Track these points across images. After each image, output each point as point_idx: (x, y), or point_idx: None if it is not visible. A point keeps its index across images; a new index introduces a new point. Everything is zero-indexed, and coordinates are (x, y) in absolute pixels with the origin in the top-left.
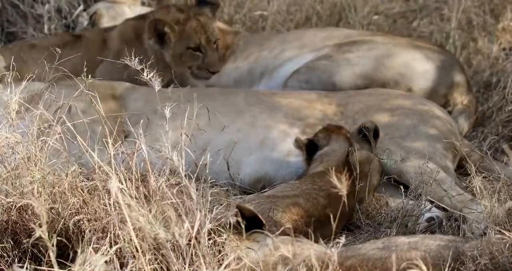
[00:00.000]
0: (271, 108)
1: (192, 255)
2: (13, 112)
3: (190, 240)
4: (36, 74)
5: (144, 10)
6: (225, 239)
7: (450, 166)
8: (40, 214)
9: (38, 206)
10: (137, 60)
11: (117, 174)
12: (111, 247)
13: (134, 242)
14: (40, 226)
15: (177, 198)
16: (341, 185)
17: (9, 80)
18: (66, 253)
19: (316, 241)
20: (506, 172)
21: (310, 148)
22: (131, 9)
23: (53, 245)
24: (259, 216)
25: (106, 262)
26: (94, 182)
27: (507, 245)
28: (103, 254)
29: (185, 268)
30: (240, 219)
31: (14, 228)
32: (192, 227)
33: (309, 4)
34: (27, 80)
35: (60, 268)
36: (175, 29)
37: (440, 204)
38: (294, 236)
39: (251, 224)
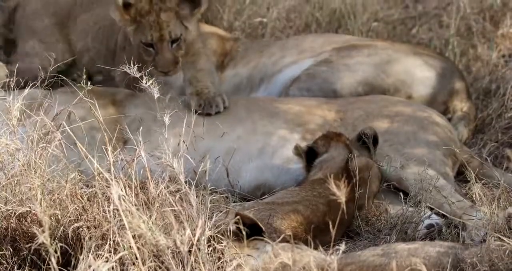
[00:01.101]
0: (271, 115)
1: (192, 262)
2: (14, 119)
3: (190, 247)
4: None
5: None
6: (225, 246)
7: (450, 172)
8: (42, 220)
9: (40, 212)
10: (135, 67)
11: (117, 181)
12: (110, 254)
13: (134, 250)
14: (44, 232)
15: (177, 205)
16: (340, 192)
17: (11, 86)
18: (65, 260)
19: (316, 248)
20: (506, 178)
21: (309, 155)
22: None
23: (55, 251)
24: (259, 223)
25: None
26: (94, 189)
27: (507, 252)
28: (106, 261)
29: None
30: (241, 226)
31: (14, 235)
32: (194, 234)
33: (308, 11)
34: (28, 87)
35: None
36: (126, 19)
37: (439, 211)
38: (294, 243)
39: (251, 231)
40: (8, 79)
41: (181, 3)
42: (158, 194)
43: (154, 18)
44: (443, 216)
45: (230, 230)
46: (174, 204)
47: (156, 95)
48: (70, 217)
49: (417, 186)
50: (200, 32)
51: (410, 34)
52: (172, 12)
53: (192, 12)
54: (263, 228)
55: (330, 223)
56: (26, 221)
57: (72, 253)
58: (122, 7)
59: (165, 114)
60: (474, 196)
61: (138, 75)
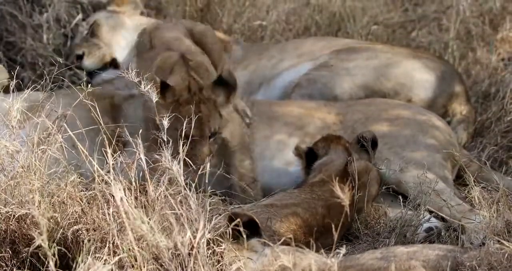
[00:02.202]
0: (271, 118)
1: (191, 265)
2: (14, 120)
3: (190, 250)
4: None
5: (143, 20)
6: (224, 248)
7: (449, 176)
8: (40, 223)
9: (38, 215)
10: (134, 72)
11: (116, 182)
12: (109, 256)
13: (134, 252)
14: (41, 235)
15: (176, 207)
16: (344, 195)
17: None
18: (64, 263)
19: (317, 251)
20: (505, 182)
21: (309, 157)
22: (130, 19)
23: (53, 254)
24: (255, 219)
25: None
26: (93, 191)
27: (506, 255)
28: (104, 263)
29: None
30: (241, 229)
31: (13, 237)
32: (194, 236)
33: (308, 14)
34: (29, 89)
35: None
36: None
37: (439, 213)
38: (295, 245)
39: (249, 230)
40: (9, 82)
41: (216, 88)
42: (157, 197)
43: (193, 110)
44: (442, 219)
45: (229, 233)
46: (174, 206)
47: (155, 99)
48: (69, 220)
49: (416, 189)
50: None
51: (409, 38)
52: (211, 103)
53: (227, 98)
54: (259, 224)
55: (330, 225)
56: (25, 223)
57: (71, 256)
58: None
59: (165, 117)
60: (473, 199)
61: (136, 80)
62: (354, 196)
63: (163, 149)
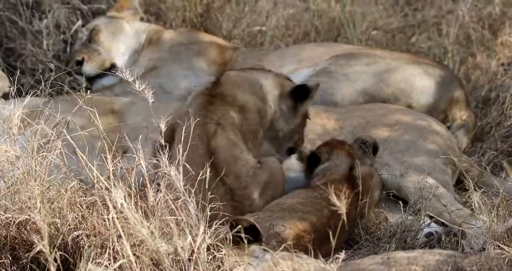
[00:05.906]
0: None
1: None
2: (14, 127)
3: (190, 255)
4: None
5: (143, 26)
6: (224, 254)
7: (449, 181)
8: (41, 228)
9: (39, 220)
10: (128, 71)
11: (115, 187)
12: (110, 262)
13: (131, 258)
14: (42, 240)
15: (177, 212)
16: (341, 203)
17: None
18: (64, 269)
19: (316, 257)
20: (505, 187)
21: (311, 161)
22: (129, 25)
23: (54, 260)
24: (256, 225)
25: None
26: (93, 197)
27: (506, 260)
28: (106, 268)
29: None
30: (243, 235)
31: (13, 243)
32: (194, 241)
33: (307, 20)
34: (29, 96)
35: None
36: None
37: (439, 219)
38: (295, 251)
39: (250, 234)
40: (9, 89)
41: None
42: (157, 203)
43: None
44: (443, 224)
45: (229, 238)
46: (174, 212)
47: (151, 100)
48: (69, 226)
49: (416, 194)
50: None
51: (409, 43)
52: None
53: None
54: (260, 230)
55: (334, 230)
56: (25, 229)
57: (72, 261)
58: None
59: (162, 122)
60: (473, 204)
61: (131, 79)
62: (358, 201)
63: (162, 154)
